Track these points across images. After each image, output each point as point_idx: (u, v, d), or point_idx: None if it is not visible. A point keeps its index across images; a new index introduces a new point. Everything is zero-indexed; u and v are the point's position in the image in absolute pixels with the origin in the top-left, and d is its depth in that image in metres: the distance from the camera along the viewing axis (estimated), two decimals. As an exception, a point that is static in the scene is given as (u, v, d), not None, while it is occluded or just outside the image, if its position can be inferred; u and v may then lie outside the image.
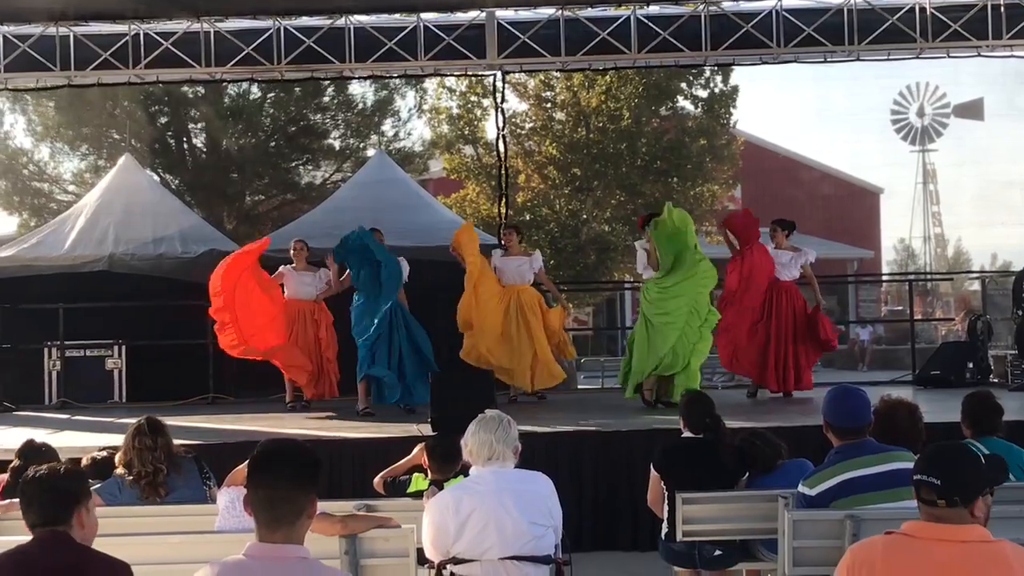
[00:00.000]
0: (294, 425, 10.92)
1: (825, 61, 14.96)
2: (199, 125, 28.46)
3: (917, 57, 15.00)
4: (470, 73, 21.65)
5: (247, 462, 3.74)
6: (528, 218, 26.55)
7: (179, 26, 14.37)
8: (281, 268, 12.82)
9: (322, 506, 3.85)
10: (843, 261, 40.63)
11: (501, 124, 16.27)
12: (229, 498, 5.42)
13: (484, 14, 14.34)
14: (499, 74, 15.84)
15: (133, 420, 6.42)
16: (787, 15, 14.28)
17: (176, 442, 6.56)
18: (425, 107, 29.65)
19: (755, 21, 14.29)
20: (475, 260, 12.48)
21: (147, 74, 14.75)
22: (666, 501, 6.60)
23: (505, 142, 16.29)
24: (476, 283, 12.46)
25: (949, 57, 14.98)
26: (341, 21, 14.35)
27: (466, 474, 5.50)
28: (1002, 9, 14.10)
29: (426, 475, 6.46)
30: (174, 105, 27.37)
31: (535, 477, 5.26)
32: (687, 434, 6.98)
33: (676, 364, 11.44)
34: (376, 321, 11.80)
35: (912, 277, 35.57)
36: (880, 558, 3.63)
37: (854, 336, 35.16)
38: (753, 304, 12.43)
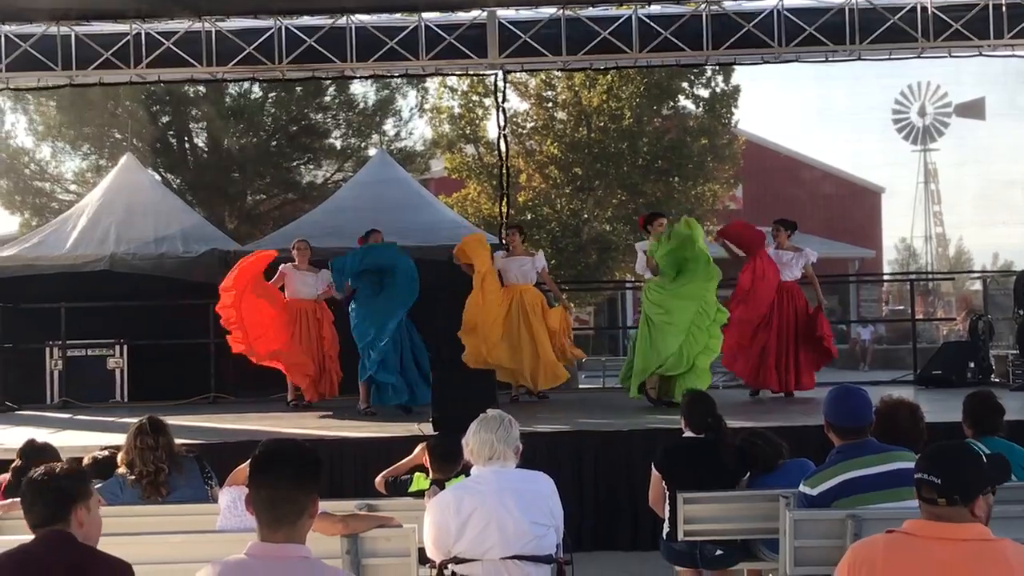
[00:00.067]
0: (295, 424, 10.92)
1: (826, 60, 14.96)
2: (200, 124, 28.48)
3: (918, 57, 15.01)
4: (471, 72, 21.71)
5: (248, 461, 3.74)
6: (529, 217, 26.58)
7: (180, 26, 14.38)
8: (282, 267, 12.81)
9: (323, 506, 3.85)
10: (844, 261, 40.64)
11: (502, 123, 16.29)
12: (231, 498, 5.43)
13: (485, 13, 14.34)
14: (500, 73, 15.86)
15: (135, 420, 6.42)
16: (788, 14, 14.28)
17: (178, 442, 6.56)
18: (426, 106, 29.70)
19: (756, 20, 14.29)
20: (485, 261, 12.50)
21: (148, 73, 14.77)
22: (667, 501, 6.60)
23: (506, 141, 16.31)
24: (484, 283, 12.47)
25: (950, 57, 14.97)
26: (342, 20, 14.35)
27: (467, 474, 5.50)
28: (1003, 9, 14.10)
29: (427, 474, 6.46)
30: (175, 104, 27.40)
31: (536, 477, 5.26)
32: (688, 434, 6.97)
33: (680, 365, 11.42)
34: (390, 327, 11.78)
35: (913, 277, 35.55)
36: (881, 556, 3.63)
37: (855, 336, 35.14)
38: (759, 310, 12.41)
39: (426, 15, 14.49)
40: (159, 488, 6.14)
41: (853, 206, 43.90)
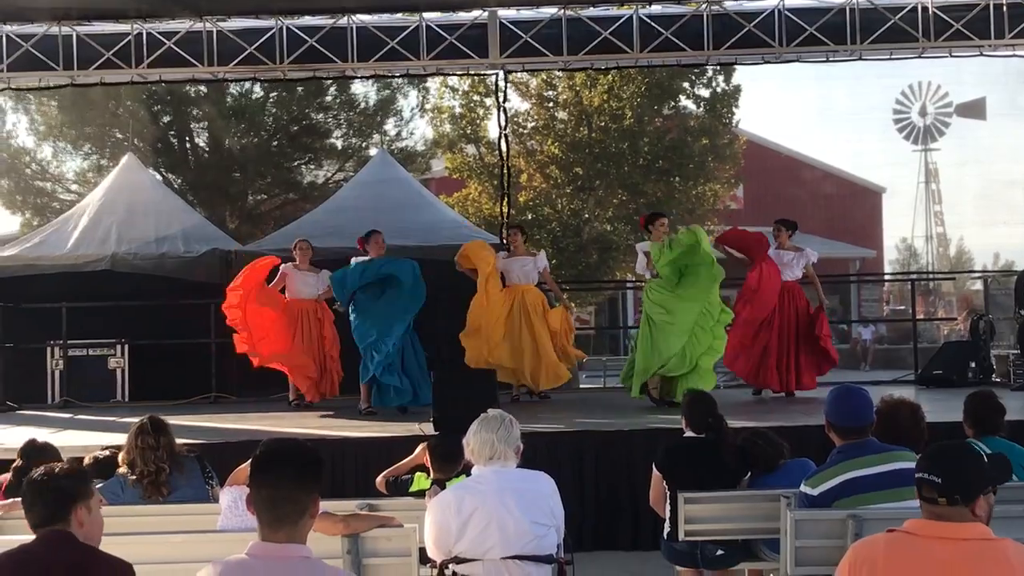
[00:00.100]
0: (296, 424, 10.92)
1: (827, 60, 14.95)
2: (202, 124, 28.49)
3: (919, 56, 15.00)
4: (472, 72, 21.70)
5: (249, 461, 3.74)
6: (530, 217, 26.59)
7: (182, 25, 14.38)
8: (283, 268, 12.80)
9: (324, 505, 3.85)
10: (845, 260, 40.66)
11: (503, 123, 16.28)
12: (231, 497, 5.43)
13: (486, 13, 14.35)
14: (501, 73, 15.86)
15: (136, 419, 6.42)
16: (789, 14, 14.28)
17: (179, 441, 6.56)
18: (427, 106, 29.71)
19: (757, 20, 14.29)
20: (489, 263, 12.51)
21: (150, 73, 14.77)
22: (668, 501, 6.60)
23: (507, 141, 16.31)
24: (487, 285, 12.48)
25: (951, 57, 14.97)
26: (343, 20, 14.35)
27: (468, 473, 5.50)
28: (1004, 9, 14.10)
29: (428, 474, 6.47)
30: (177, 104, 27.40)
31: (537, 476, 5.26)
32: (689, 434, 6.97)
33: (682, 366, 11.41)
34: (397, 331, 11.79)
35: (914, 276, 35.56)
36: (881, 556, 3.64)
37: (856, 336, 35.16)
38: (763, 312, 12.40)
39: (427, 15, 14.49)
40: (160, 488, 6.15)
41: (854, 206, 43.91)
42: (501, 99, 16.22)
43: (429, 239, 15.77)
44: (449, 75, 24.26)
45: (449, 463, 6.26)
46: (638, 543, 9.09)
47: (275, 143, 28.51)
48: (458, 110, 28.50)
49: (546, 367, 12.69)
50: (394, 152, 25.93)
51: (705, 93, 28.09)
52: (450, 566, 5.01)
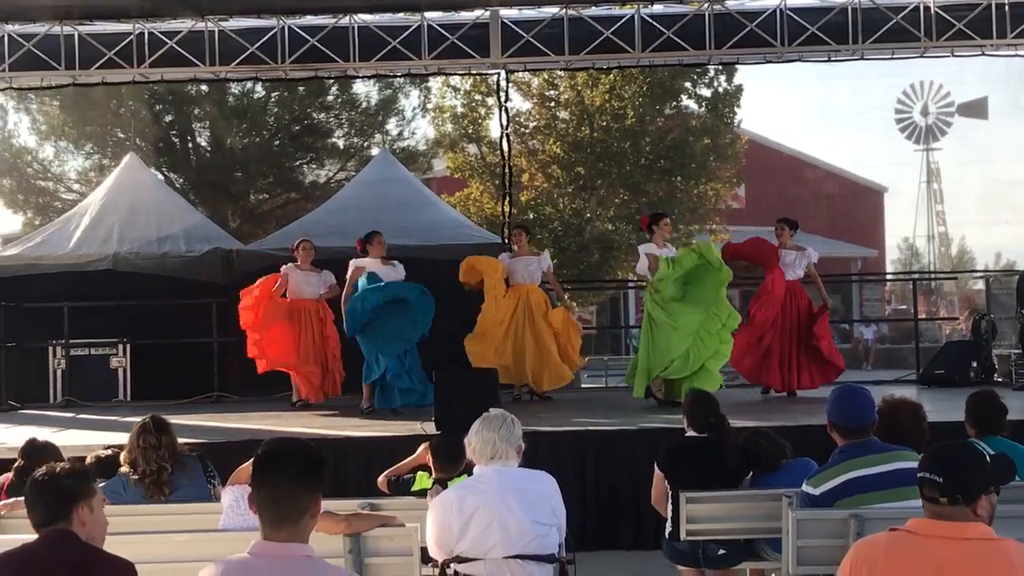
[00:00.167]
0: (299, 424, 10.93)
1: (829, 60, 14.94)
2: (203, 124, 28.50)
3: (921, 56, 14.99)
4: (474, 72, 21.71)
5: (251, 460, 3.74)
6: (532, 217, 26.59)
7: (183, 25, 14.39)
8: (284, 268, 12.79)
9: (326, 505, 3.86)
10: (847, 260, 40.68)
11: (505, 123, 16.29)
12: (233, 496, 5.43)
13: (488, 13, 14.35)
14: (503, 73, 15.86)
15: (138, 419, 6.43)
16: (791, 14, 14.28)
17: (181, 441, 6.56)
18: (429, 106, 29.72)
19: (759, 20, 14.29)
20: (498, 271, 12.53)
21: (151, 73, 14.77)
22: (670, 500, 6.60)
23: (509, 141, 16.31)
24: (496, 290, 12.49)
25: (953, 56, 14.96)
26: (345, 20, 14.36)
27: (470, 473, 5.51)
28: (1006, 8, 14.10)
29: (430, 474, 6.47)
30: (178, 104, 27.41)
31: (538, 476, 5.27)
32: (691, 433, 6.97)
33: (684, 369, 11.38)
34: (409, 339, 11.83)
35: (916, 276, 35.59)
36: (882, 555, 3.64)
37: (858, 335, 35.15)
38: (771, 313, 12.41)
39: (429, 15, 14.49)
40: (162, 487, 6.15)
41: (856, 205, 43.92)
42: (503, 99, 16.23)
43: (431, 239, 15.78)
44: (451, 75, 24.30)
45: (451, 462, 6.26)
46: (640, 543, 9.08)
47: (277, 143, 28.52)
48: (460, 110, 28.51)
49: (549, 368, 12.69)
50: (396, 152, 25.95)
51: (707, 93, 28.09)
52: (452, 565, 5.02)
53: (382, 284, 11.83)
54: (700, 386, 10.56)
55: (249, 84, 25.81)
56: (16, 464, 6.54)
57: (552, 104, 28.42)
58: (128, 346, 15.15)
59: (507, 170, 16.46)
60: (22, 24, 14.26)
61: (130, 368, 15.12)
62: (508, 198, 16.55)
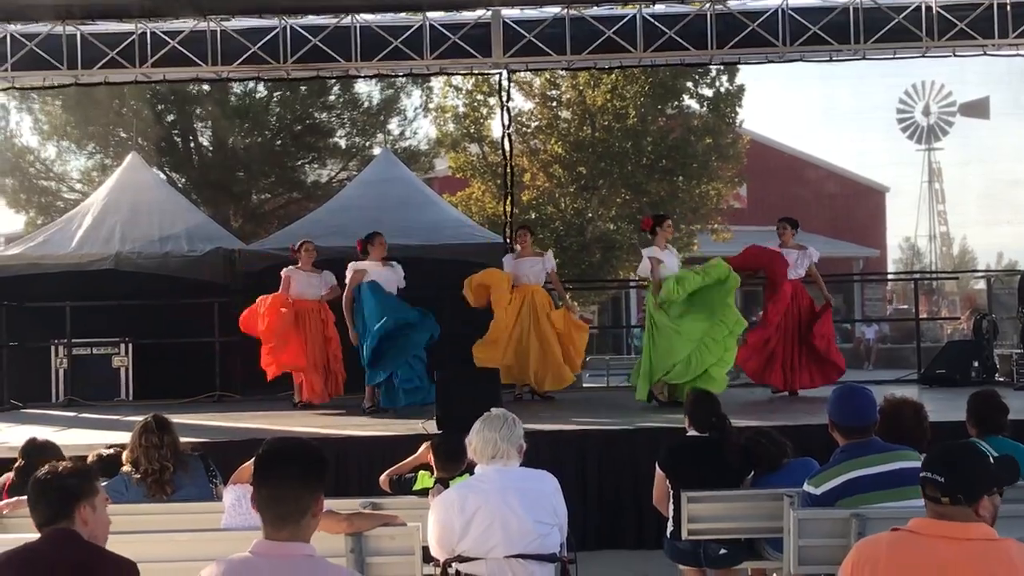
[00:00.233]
0: (301, 423, 10.93)
1: (831, 60, 14.93)
2: (205, 124, 28.49)
3: (923, 56, 14.98)
4: (476, 72, 21.69)
5: (253, 460, 3.74)
6: (533, 216, 26.56)
7: (185, 25, 14.39)
8: (285, 271, 12.77)
9: (328, 504, 3.85)
10: (848, 260, 40.67)
11: (507, 123, 16.27)
12: (235, 496, 5.43)
13: (490, 13, 14.34)
14: (505, 73, 15.86)
15: (140, 418, 6.43)
16: (793, 14, 14.27)
17: (182, 440, 6.57)
18: (431, 106, 29.69)
19: (761, 20, 14.28)
20: (507, 282, 12.55)
21: (153, 73, 14.77)
22: (671, 500, 6.61)
23: (511, 140, 16.29)
24: (504, 303, 12.52)
25: (955, 56, 14.95)
26: (347, 20, 14.36)
27: (472, 472, 5.51)
28: (1008, 8, 14.08)
29: (432, 473, 6.47)
30: (180, 104, 27.41)
31: (540, 475, 5.27)
32: (692, 433, 6.98)
33: (686, 374, 11.37)
34: (414, 345, 11.87)
35: (917, 276, 35.60)
36: (884, 554, 3.64)
37: (859, 335, 35.14)
38: (776, 317, 12.42)
39: (430, 14, 14.49)
40: (164, 486, 6.16)
41: (857, 205, 43.92)
42: (504, 98, 16.25)
43: (432, 238, 15.80)
44: (452, 74, 24.29)
45: (453, 462, 6.27)
46: (641, 542, 9.09)
47: (279, 142, 28.51)
48: (461, 109, 28.49)
49: (551, 369, 12.72)
50: (397, 151, 25.94)
51: (708, 92, 28.05)
52: (453, 565, 5.02)
53: (385, 319, 11.81)
54: (704, 387, 10.59)
55: (251, 84, 25.80)
56: (16, 464, 6.54)
57: (554, 104, 28.41)
58: (130, 345, 15.18)
59: (509, 170, 16.44)
60: (24, 24, 14.26)
61: (132, 367, 15.14)
62: (510, 198, 16.53)
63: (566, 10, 14.31)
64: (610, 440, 9.58)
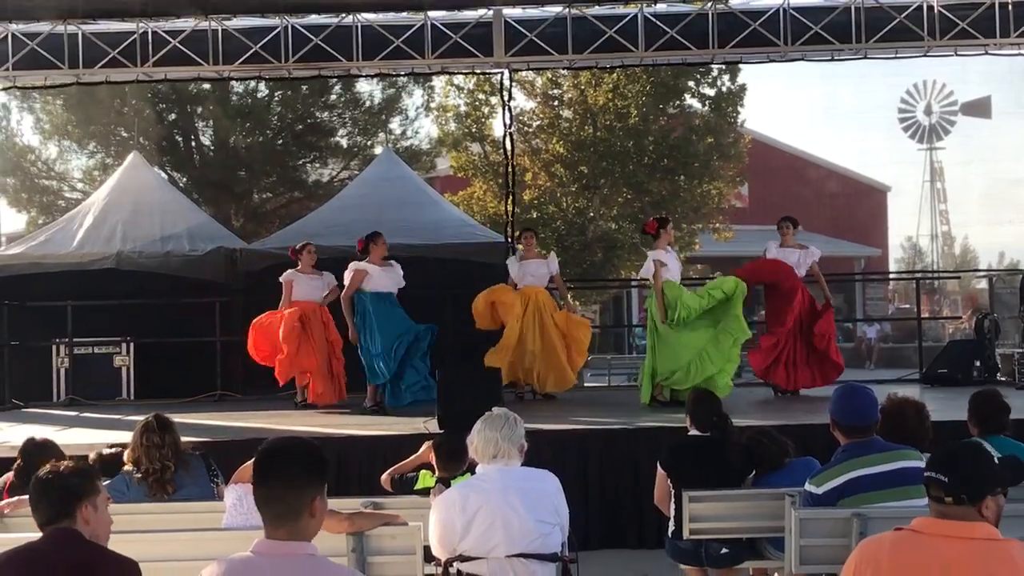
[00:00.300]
0: (302, 422, 10.94)
1: (832, 59, 14.92)
2: (207, 123, 28.50)
3: (925, 55, 14.96)
4: (477, 71, 21.67)
5: (254, 459, 3.74)
6: (535, 216, 26.55)
7: (187, 24, 14.39)
8: (286, 276, 12.75)
9: (329, 503, 3.85)
10: (850, 259, 40.66)
11: (508, 122, 16.25)
12: (236, 495, 5.43)
13: (491, 12, 14.34)
14: (506, 72, 15.85)
15: (141, 417, 6.43)
16: (794, 13, 14.26)
17: (184, 439, 6.57)
18: (432, 105, 29.71)
19: (762, 19, 14.27)
20: (516, 299, 12.55)
21: (155, 72, 14.76)
22: (673, 499, 6.60)
23: (512, 140, 16.27)
24: (514, 315, 12.52)
25: (956, 55, 14.93)
26: (348, 19, 14.35)
27: (473, 472, 5.51)
28: (1010, 7, 14.07)
29: (433, 472, 6.47)
30: (182, 103, 27.42)
31: (541, 475, 5.27)
32: (694, 432, 6.97)
33: (686, 381, 11.35)
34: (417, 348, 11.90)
35: (919, 275, 35.55)
36: (886, 554, 3.64)
37: (861, 334, 35.13)
38: (790, 324, 12.43)
39: (432, 14, 14.48)
40: (165, 486, 6.15)
41: (859, 204, 43.91)
42: (506, 98, 16.22)
43: (434, 238, 15.80)
44: (454, 74, 24.29)
45: (454, 461, 6.27)
46: (643, 541, 9.09)
47: (280, 141, 28.53)
48: (463, 109, 28.47)
49: (554, 371, 12.76)
50: (399, 150, 25.94)
51: (710, 92, 28.03)
52: (455, 564, 5.02)
53: (397, 345, 11.83)
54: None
55: (252, 83, 25.84)
56: (16, 464, 6.52)
57: (555, 103, 28.39)
58: (131, 345, 15.17)
59: (510, 169, 16.43)
60: (26, 23, 14.26)
61: (133, 367, 15.14)
62: (511, 197, 16.52)
63: (568, 9, 14.30)
64: (611, 440, 9.58)
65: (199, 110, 28.14)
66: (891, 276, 47.20)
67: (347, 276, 12.08)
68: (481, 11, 14.41)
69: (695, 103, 28.51)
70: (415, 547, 5.20)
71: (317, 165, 29.54)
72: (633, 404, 11.79)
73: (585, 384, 17.56)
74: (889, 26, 14.21)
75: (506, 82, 16.09)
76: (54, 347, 15.01)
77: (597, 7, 14.41)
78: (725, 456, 6.72)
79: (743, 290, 11.63)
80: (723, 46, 14.44)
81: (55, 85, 17.22)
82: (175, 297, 15.34)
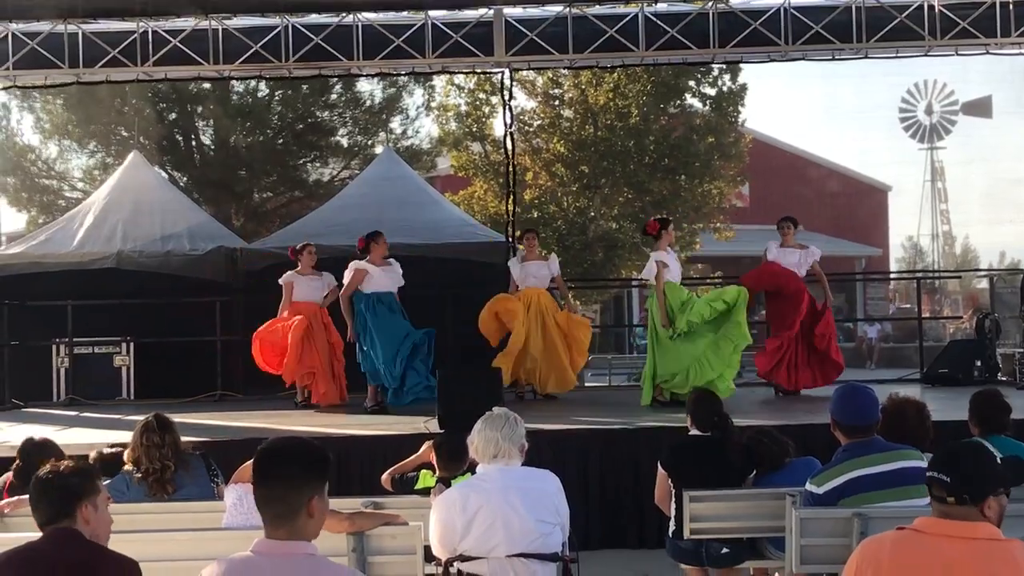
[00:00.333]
0: (302, 422, 10.93)
1: (833, 59, 14.91)
2: (207, 122, 28.49)
3: (925, 55, 14.95)
4: (478, 71, 21.67)
5: (254, 459, 3.73)
6: (535, 215, 26.56)
7: (187, 23, 14.37)
8: (286, 279, 12.74)
9: (330, 503, 3.84)
10: (851, 259, 40.65)
11: (509, 121, 16.24)
12: (236, 495, 5.43)
13: (492, 11, 14.32)
14: (507, 71, 15.83)
15: (141, 417, 6.42)
16: (795, 12, 14.24)
17: (184, 439, 6.56)
18: (433, 104, 29.71)
19: (763, 19, 14.25)
20: (519, 307, 12.54)
21: (155, 71, 14.75)
22: (673, 499, 6.60)
23: (513, 139, 16.26)
24: (520, 321, 12.52)
25: (957, 55, 14.92)
26: (349, 19, 14.34)
27: (473, 472, 5.51)
28: (1011, 7, 14.05)
29: (434, 472, 6.47)
30: (182, 102, 27.42)
31: (542, 475, 5.26)
32: (694, 432, 6.97)
33: (685, 385, 11.32)
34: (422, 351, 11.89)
35: (920, 275, 35.56)
36: (888, 554, 3.63)
37: (862, 334, 35.14)
38: (796, 327, 12.43)
39: (433, 13, 14.46)
40: (165, 486, 6.15)
41: (859, 204, 43.92)
42: (507, 97, 16.22)
43: (434, 237, 15.79)
44: (455, 73, 24.28)
45: (455, 461, 6.27)
46: (643, 541, 9.09)
47: (280, 141, 28.53)
48: (464, 108, 28.48)
49: (555, 372, 12.77)
50: (400, 150, 25.94)
51: (711, 91, 28.04)
52: (455, 564, 5.02)
53: (400, 352, 11.83)
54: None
55: (253, 82, 25.83)
56: (15, 465, 6.50)
57: (556, 103, 28.40)
58: (131, 344, 15.17)
59: (511, 168, 16.42)
60: (26, 23, 14.25)
61: (133, 366, 15.14)
62: (512, 197, 16.51)
63: (568, 9, 14.29)
64: (612, 439, 9.57)
65: (199, 109, 28.13)
66: (892, 276, 47.25)
67: (347, 275, 12.07)
68: (482, 10, 14.39)
69: (696, 103, 28.53)
70: (415, 547, 5.20)
71: (317, 164, 29.54)
72: (633, 404, 11.79)
73: (586, 384, 17.56)
74: (890, 25, 14.19)
75: (507, 81, 16.07)
76: (54, 347, 15.00)
77: (598, 7, 14.40)
78: (726, 456, 6.71)
79: (745, 297, 11.63)
80: (724, 45, 14.42)
81: (55, 84, 17.21)
82: (175, 297, 15.34)
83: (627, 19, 14.40)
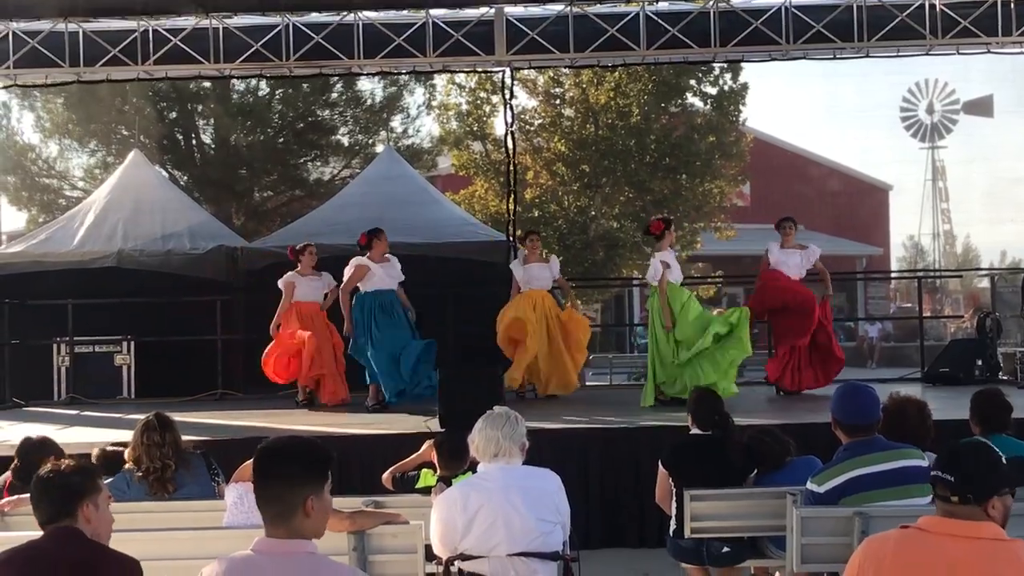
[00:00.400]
0: (303, 421, 10.94)
1: (834, 58, 14.89)
2: (208, 121, 28.48)
3: (927, 54, 14.94)
4: (479, 70, 21.66)
5: (254, 458, 3.73)
6: (536, 215, 26.55)
7: (188, 22, 14.36)
8: (286, 278, 12.73)
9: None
10: (852, 258, 40.63)
11: (510, 120, 16.23)
12: (237, 494, 5.43)
13: (493, 10, 14.32)
14: (508, 70, 15.82)
15: (142, 416, 6.43)
16: (796, 11, 14.23)
17: (184, 438, 6.56)
18: (434, 103, 29.68)
19: (764, 18, 14.24)
20: (529, 319, 12.54)
21: (156, 70, 14.75)
22: (674, 498, 6.60)
23: (514, 138, 16.24)
24: (532, 330, 12.53)
25: (959, 54, 14.90)
26: (350, 17, 14.33)
27: (474, 471, 5.50)
28: (1012, 6, 14.04)
29: (435, 471, 6.47)
30: (183, 101, 27.40)
31: (543, 474, 5.26)
32: (695, 431, 6.97)
33: (684, 391, 11.34)
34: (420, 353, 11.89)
35: (921, 274, 35.51)
36: (890, 553, 3.63)
37: (863, 333, 35.12)
38: (807, 335, 12.42)
39: (434, 12, 14.45)
40: (166, 484, 6.15)
41: (861, 203, 43.92)
42: (508, 96, 16.20)
43: (435, 236, 15.79)
44: (456, 72, 24.27)
45: (456, 460, 6.26)
46: (644, 540, 9.09)
47: (281, 140, 28.51)
48: (465, 107, 28.45)
49: (557, 374, 12.77)
50: (400, 149, 25.93)
51: (712, 90, 28.01)
52: (456, 563, 5.01)
53: (403, 360, 11.82)
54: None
55: (253, 81, 25.83)
56: (14, 465, 6.49)
57: (557, 102, 28.37)
58: (132, 343, 15.17)
59: (512, 168, 16.41)
60: (27, 21, 14.24)
61: (134, 365, 15.14)
62: (513, 196, 16.50)
63: (569, 8, 14.28)
64: (612, 438, 9.57)
65: (200, 108, 28.11)
66: (893, 275, 47.23)
67: (348, 270, 12.08)
68: (483, 9, 14.38)
69: (697, 102, 28.49)
70: (416, 546, 5.20)
71: (318, 163, 29.52)
72: (634, 403, 11.80)
73: (586, 383, 17.56)
74: (891, 24, 14.18)
75: (508, 80, 16.06)
76: (55, 346, 15.01)
77: (599, 5, 14.39)
78: (726, 455, 6.71)
79: (747, 314, 11.65)
80: (725, 44, 14.41)
81: (56, 83, 17.20)
82: (176, 295, 15.34)
83: (628, 18, 14.39)
